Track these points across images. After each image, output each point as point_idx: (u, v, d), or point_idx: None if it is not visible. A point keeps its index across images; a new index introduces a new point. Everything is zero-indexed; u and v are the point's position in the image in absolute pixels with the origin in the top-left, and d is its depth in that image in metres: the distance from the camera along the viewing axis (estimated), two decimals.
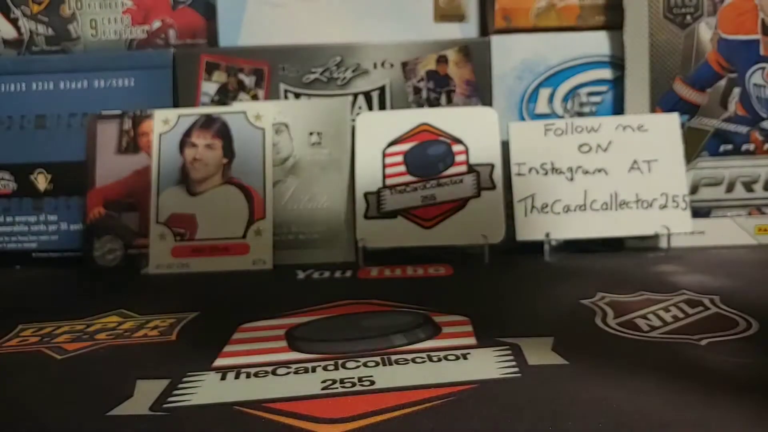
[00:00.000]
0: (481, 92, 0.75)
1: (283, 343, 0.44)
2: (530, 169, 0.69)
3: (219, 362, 0.41)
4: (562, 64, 0.74)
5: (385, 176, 0.70)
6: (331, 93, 0.75)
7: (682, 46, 0.71)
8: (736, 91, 0.71)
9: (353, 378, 0.37)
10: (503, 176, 0.69)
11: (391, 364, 0.39)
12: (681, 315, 0.47)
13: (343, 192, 0.71)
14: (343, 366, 0.39)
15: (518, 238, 0.68)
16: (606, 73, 0.74)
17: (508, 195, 0.69)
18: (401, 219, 0.69)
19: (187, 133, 0.71)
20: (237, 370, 0.39)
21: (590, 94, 0.74)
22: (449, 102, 0.75)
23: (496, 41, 0.74)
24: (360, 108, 0.75)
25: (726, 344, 0.41)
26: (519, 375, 0.37)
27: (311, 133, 0.72)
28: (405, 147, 0.70)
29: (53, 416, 0.34)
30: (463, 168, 0.69)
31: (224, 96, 0.75)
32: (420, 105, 0.75)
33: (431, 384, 0.36)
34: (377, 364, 0.39)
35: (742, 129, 0.72)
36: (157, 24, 0.79)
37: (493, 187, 0.68)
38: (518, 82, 0.75)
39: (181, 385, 0.37)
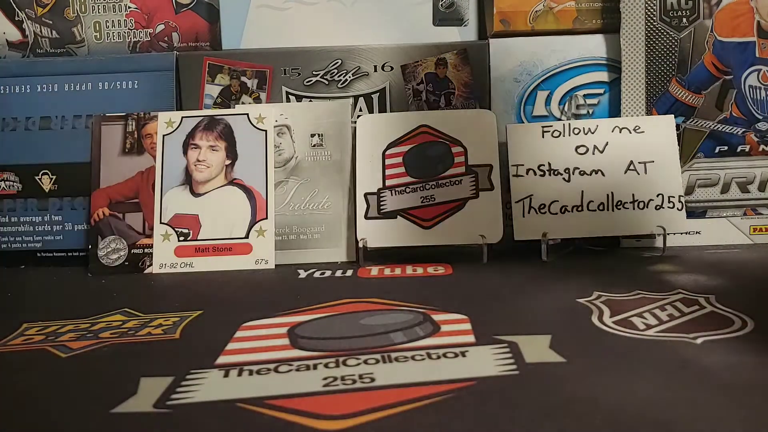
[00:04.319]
0: (479, 94, 0.76)
1: (285, 341, 0.44)
2: (528, 170, 0.69)
3: (222, 360, 0.41)
4: (559, 67, 0.74)
5: (385, 177, 0.70)
6: (332, 95, 0.76)
7: (678, 48, 0.72)
8: (732, 92, 0.72)
9: (354, 375, 0.37)
10: (501, 177, 0.69)
11: (391, 361, 0.39)
12: (677, 314, 0.47)
13: (343, 192, 0.72)
14: (344, 363, 0.39)
15: (516, 238, 0.68)
16: (603, 76, 0.74)
17: (506, 195, 0.70)
18: (401, 219, 0.69)
19: (191, 135, 0.72)
20: (240, 367, 0.39)
21: (587, 96, 0.75)
22: (448, 104, 0.76)
23: (495, 44, 0.75)
24: (360, 110, 0.76)
25: (721, 343, 0.41)
26: (517, 372, 0.37)
27: (312, 135, 0.73)
28: (404, 148, 0.71)
29: (58, 414, 0.34)
30: (462, 169, 0.70)
31: (227, 98, 0.76)
32: (419, 107, 0.76)
33: (430, 381, 0.36)
34: (377, 361, 0.39)
35: (738, 130, 0.72)
36: (160, 27, 0.79)
37: (492, 187, 0.69)
38: (516, 85, 0.75)
39: (184, 383, 0.37)
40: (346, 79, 0.75)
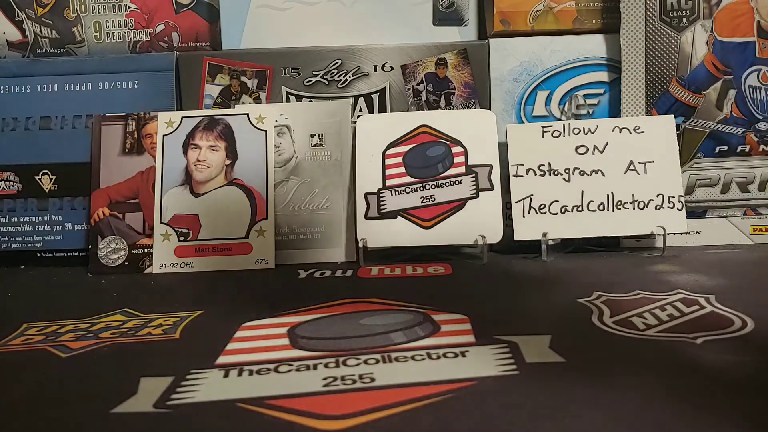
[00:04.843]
0: (479, 95, 0.76)
1: (285, 341, 0.44)
2: (528, 171, 0.69)
3: (222, 360, 0.41)
4: (559, 67, 0.74)
5: (385, 177, 0.70)
6: (332, 95, 0.76)
7: (678, 48, 0.72)
8: (732, 92, 0.72)
9: (354, 375, 0.37)
10: (501, 177, 0.69)
11: (391, 361, 0.39)
12: (677, 314, 0.47)
13: (343, 193, 0.72)
14: (344, 363, 0.39)
15: (516, 238, 0.68)
16: (603, 76, 0.74)
17: (506, 195, 0.70)
18: (401, 219, 0.69)
19: (191, 135, 0.72)
20: (240, 367, 0.39)
21: (587, 96, 0.75)
22: (448, 104, 0.76)
23: (495, 44, 0.75)
24: (360, 110, 0.76)
25: (721, 343, 0.41)
26: (517, 372, 0.37)
27: (312, 135, 0.73)
28: (405, 148, 0.71)
29: (58, 414, 0.34)
30: (462, 169, 0.70)
31: (227, 98, 0.76)
32: (419, 107, 0.76)
33: (430, 381, 0.36)
34: (377, 361, 0.39)
35: (738, 130, 0.72)
36: (160, 27, 0.79)
37: (492, 187, 0.69)
38: (516, 85, 0.75)
39: (184, 383, 0.37)
40: (346, 79, 0.75)
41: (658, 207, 0.67)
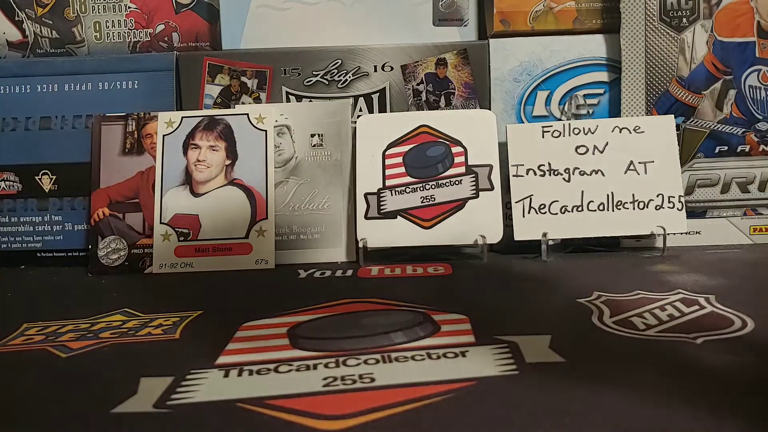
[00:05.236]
0: (479, 95, 0.76)
1: (285, 341, 0.44)
2: (528, 171, 0.69)
3: (222, 360, 0.41)
4: (559, 67, 0.75)
5: (385, 177, 0.70)
6: (332, 95, 0.76)
7: (678, 48, 0.72)
8: (732, 93, 0.72)
9: (354, 375, 0.37)
10: (501, 177, 0.69)
11: (391, 361, 0.39)
12: (677, 314, 0.47)
13: (343, 193, 0.72)
14: (344, 363, 0.39)
15: (516, 238, 0.68)
16: (603, 76, 0.74)
17: (506, 195, 0.70)
18: (401, 219, 0.69)
19: (191, 135, 0.72)
20: (240, 367, 0.39)
21: (587, 96, 0.75)
22: (448, 104, 0.76)
23: (495, 44, 0.75)
24: (360, 110, 0.76)
25: (721, 343, 0.41)
26: (517, 372, 0.37)
27: (313, 135, 0.73)
28: (405, 148, 0.71)
29: (58, 414, 0.34)
30: (462, 169, 0.70)
31: (227, 98, 0.76)
32: (419, 107, 0.76)
33: (430, 381, 0.36)
34: (377, 361, 0.39)
35: (738, 130, 0.72)
36: (160, 27, 0.79)
37: (492, 187, 0.69)
38: (516, 85, 0.75)
39: (184, 383, 0.37)
40: (346, 79, 0.75)
41: (658, 207, 0.67)
